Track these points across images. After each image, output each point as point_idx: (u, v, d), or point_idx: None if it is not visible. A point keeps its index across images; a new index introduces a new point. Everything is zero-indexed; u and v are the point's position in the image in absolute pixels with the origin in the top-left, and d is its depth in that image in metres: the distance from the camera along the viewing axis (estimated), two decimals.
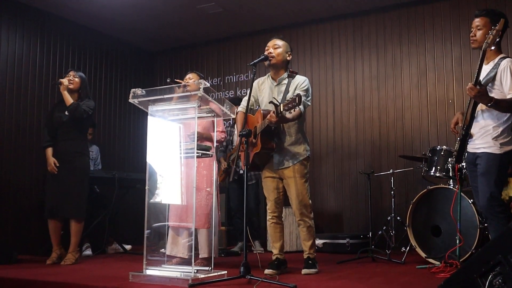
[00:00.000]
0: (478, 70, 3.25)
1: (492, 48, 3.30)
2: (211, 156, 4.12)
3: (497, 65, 3.36)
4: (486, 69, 3.42)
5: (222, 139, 4.63)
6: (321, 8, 6.65)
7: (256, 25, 7.18)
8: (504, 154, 3.33)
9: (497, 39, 3.28)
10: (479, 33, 3.43)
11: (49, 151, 4.98)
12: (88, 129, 5.33)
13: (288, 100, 3.63)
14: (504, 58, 3.39)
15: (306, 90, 4.01)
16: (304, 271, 3.96)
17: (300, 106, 3.84)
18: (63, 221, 5.01)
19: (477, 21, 3.47)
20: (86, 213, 5.72)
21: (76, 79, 5.04)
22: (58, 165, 4.91)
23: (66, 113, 4.95)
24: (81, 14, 6.73)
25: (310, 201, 4.07)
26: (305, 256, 4.07)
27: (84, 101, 5.00)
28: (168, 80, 4.74)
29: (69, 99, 4.94)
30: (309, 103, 4.09)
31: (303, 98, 3.82)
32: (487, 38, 3.22)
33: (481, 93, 3.18)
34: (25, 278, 3.92)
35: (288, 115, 3.80)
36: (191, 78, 4.69)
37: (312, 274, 3.93)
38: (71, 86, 5.00)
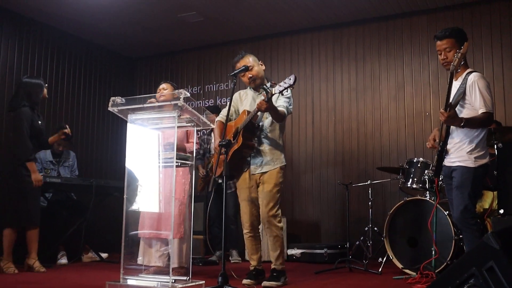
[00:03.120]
0: (447, 93, 3.35)
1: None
2: (190, 165, 4.11)
3: (465, 81, 3.45)
4: (455, 85, 3.51)
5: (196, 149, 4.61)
6: (301, 19, 6.71)
7: (237, 34, 7.21)
8: (479, 168, 3.40)
9: (462, 62, 3.37)
10: (450, 55, 3.49)
11: (34, 164, 4.89)
12: None
13: (283, 81, 3.66)
14: (470, 72, 3.48)
15: (289, 98, 4.04)
16: (264, 283, 3.84)
17: (283, 109, 3.88)
18: (17, 231, 4.86)
19: (443, 44, 3.52)
20: (62, 221, 5.69)
21: None
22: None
23: (40, 122, 4.96)
24: (61, 19, 6.67)
25: (279, 212, 3.99)
26: (272, 267, 4.00)
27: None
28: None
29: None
30: (291, 111, 4.13)
31: (286, 104, 3.88)
32: (454, 61, 3.31)
33: (451, 117, 3.28)
34: None
35: (276, 102, 3.82)
36: (165, 89, 4.72)
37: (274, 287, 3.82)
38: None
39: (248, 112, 3.93)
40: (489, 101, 3.37)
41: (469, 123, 3.34)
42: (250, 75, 4.08)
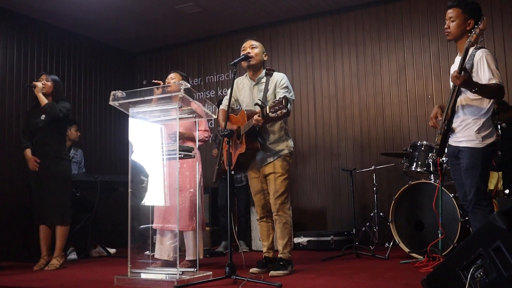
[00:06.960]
0: (461, 59, 3.24)
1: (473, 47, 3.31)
2: (194, 157, 4.11)
3: (472, 56, 3.36)
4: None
5: (206, 138, 4.62)
6: (300, 6, 6.67)
7: (236, 24, 7.18)
8: (487, 147, 3.30)
9: (481, 39, 3.27)
10: (452, 25, 3.40)
11: (28, 151, 4.91)
12: (65, 132, 5.21)
13: (274, 102, 3.63)
14: (478, 48, 3.40)
15: (286, 87, 4.03)
16: (271, 273, 3.84)
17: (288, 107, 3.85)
18: (52, 227, 4.89)
19: (450, 12, 3.42)
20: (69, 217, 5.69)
21: (49, 83, 4.95)
22: (39, 161, 4.83)
23: (42, 117, 4.84)
24: (58, 16, 6.65)
25: (288, 199, 4.06)
26: (278, 256, 3.99)
27: (59, 103, 4.91)
28: (144, 82, 4.70)
29: (43, 100, 4.87)
30: (293, 98, 4.11)
31: (287, 95, 3.84)
32: (470, 36, 3.19)
33: (467, 80, 3.17)
34: (7, 285, 3.87)
35: (273, 114, 3.80)
36: (173, 78, 4.63)
37: (281, 276, 3.78)
38: (43, 91, 4.91)
39: (248, 115, 3.93)
40: (498, 75, 3.25)
41: (482, 90, 3.20)
42: (248, 52, 4.07)
